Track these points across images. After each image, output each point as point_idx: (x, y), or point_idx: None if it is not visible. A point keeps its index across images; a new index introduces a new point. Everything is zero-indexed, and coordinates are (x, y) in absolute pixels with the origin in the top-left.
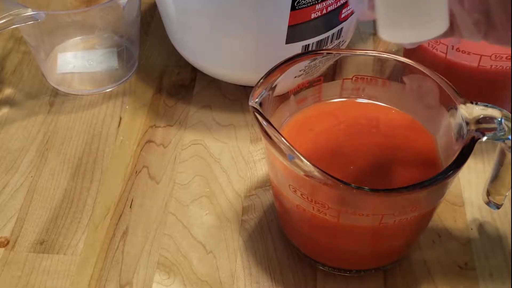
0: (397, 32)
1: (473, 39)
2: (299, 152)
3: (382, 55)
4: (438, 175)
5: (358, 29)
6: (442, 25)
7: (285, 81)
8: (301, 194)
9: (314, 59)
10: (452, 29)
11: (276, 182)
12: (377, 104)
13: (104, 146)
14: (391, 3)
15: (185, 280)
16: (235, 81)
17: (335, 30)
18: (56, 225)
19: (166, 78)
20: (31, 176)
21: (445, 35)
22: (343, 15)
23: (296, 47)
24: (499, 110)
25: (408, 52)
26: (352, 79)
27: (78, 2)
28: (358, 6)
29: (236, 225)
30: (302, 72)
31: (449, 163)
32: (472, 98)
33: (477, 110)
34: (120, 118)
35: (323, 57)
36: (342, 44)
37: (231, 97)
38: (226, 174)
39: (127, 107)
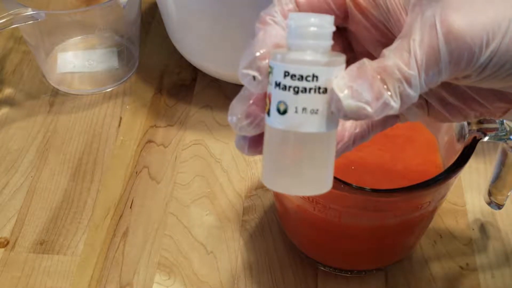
0: (279, 182)
1: (418, 119)
2: None
3: None
4: (439, 175)
5: None
6: (326, 187)
7: None
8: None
9: None
10: (397, 117)
11: None
12: None
13: (104, 146)
14: (275, 155)
15: (185, 281)
16: (235, 81)
17: None
18: (56, 226)
19: (166, 78)
20: (31, 176)
21: (392, 122)
22: None
23: None
24: None
25: None
26: None
27: (78, 1)
28: (240, 146)
29: (237, 225)
30: None
31: (451, 163)
32: None
33: None
34: (121, 118)
35: None
36: None
37: (232, 97)
38: (227, 174)
39: (127, 107)
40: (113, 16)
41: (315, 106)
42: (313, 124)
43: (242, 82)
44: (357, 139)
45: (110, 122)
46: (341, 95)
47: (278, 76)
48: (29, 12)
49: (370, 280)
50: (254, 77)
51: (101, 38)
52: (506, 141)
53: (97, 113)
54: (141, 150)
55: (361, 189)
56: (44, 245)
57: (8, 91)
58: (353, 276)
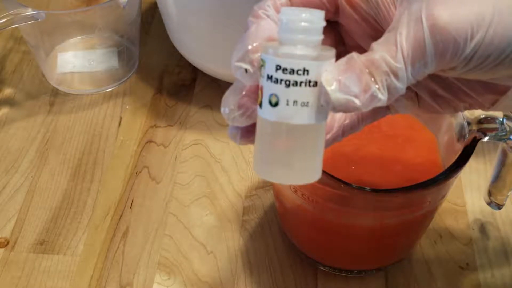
0: (270, 172)
1: (408, 111)
2: None
3: None
4: (439, 175)
5: None
6: (315, 176)
7: None
8: (302, 194)
9: None
10: (387, 109)
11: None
12: None
13: (104, 146)
14: (267, 146)
15: (185, 281)
16: None
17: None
18: (56, 226)
19: (166, 78)
20: (31, 176)
21: (382, 114)
22: None
23: None
24: None
25: None
26: None
27: (78, 1)
28: (233, 135)
29: (237, 225)
30: None
31: (451, 163)
32: None
33: (479, 110)
34: (121, 118)
35: None
36: None
37: None
38: (227, 174)
39: (127, 107)
40: (113, 16)
41: (305, 99)
42: (303, 116)
43: (235, 75)
44: (347, 130)
45: (110, 122)
46: (329, 88)
47: (270, 70)
48: (29, 12)
49: (370, 280)
50: (246, 70)
51: (101, 38)
52: (506, 141)
53: (97, 113)
54: (141, 150)
55: (361, 189)
56: (44, 245)
57: (8, 91)
58: (353, 276)
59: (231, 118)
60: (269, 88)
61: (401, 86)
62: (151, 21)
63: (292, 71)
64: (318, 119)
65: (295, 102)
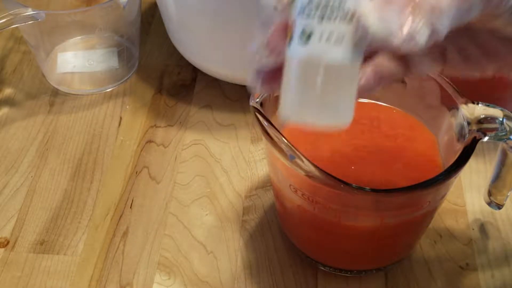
0: (301, 113)
1: (430, 72)
2: (300, 152)
3: None
4: (439, 175)
5: None
6: (347, 118)
7: None
8: (302, 194)
9: None
10: (409, 70)
11: (277, 182)
12: (378, 104)
13: (104, 146)
14: (297, 86)
15: (185, 281)
16: (235, 81)
17: None
18: (56, 226)
19: (166, 78)
20: (31, 176)
21: (401, 75)
22: None
23: None
24: (501, 109)
25: None
26: None
27: (78, 1)
28: (255, 81)
29: (237, 225)
30: None
31: (451, 163)
32: (474, 98)
33: (479, 110)
34: (121, 118)
35: None
36: None
37: (231, 97)
38: (227, 174)
39: (127, 107)
40: (113, 16)
41: (339, 35)
42: (337, 54)
43: (263, 12)
44: (362, 92)
45: (110, 122)
46: (368, 21)
47: (302, 3)
48: (29, 12)
49: (370, 280)
50: (275, 7)
51: (101, 38)
52: (506, 141)
53: (97, 113)
54: (141, 150)
55: (361, 189)
56: (44, 245)
57: (8, 91)
58: (353, 276)
59: (258, 56)
60: (300, 23)
61: (442, 28)
62: (151, 21)
63: (327, 3)
64: (352, 58)
65: (328, 37)
